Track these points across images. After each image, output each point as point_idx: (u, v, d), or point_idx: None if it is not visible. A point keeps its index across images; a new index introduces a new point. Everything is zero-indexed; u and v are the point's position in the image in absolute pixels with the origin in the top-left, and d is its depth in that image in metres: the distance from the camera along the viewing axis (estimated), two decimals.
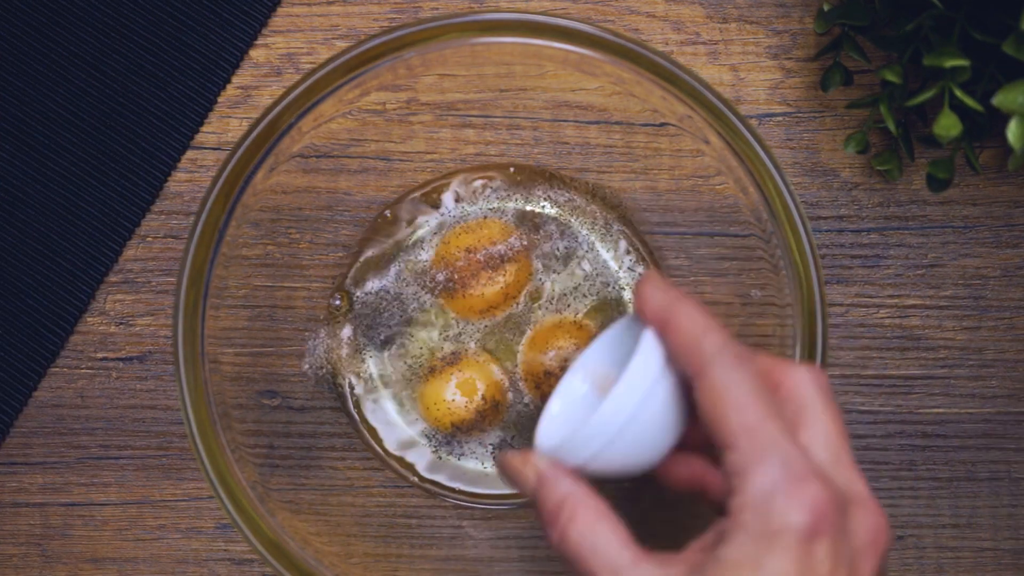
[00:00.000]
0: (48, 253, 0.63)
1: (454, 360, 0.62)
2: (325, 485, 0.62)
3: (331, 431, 0.63)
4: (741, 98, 0.64)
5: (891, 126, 0.59)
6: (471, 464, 0.62)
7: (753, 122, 0.62)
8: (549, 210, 0.63)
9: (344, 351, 0.63)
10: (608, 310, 0.63)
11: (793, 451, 0.41)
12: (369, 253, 0.63)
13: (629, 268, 0.63)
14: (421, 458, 0.63)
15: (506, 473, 0.47)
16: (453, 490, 0.62)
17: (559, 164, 0.63)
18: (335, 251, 0.63)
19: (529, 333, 0.62)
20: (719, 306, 0.62)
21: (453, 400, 0.61)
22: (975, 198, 0.64)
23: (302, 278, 0.63)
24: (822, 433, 0.43)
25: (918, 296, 0.64)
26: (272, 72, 0.64)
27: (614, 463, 0.45)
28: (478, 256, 0.61)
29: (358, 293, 0.63)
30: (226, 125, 0.64)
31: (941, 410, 0.64)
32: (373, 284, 0.63)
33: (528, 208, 0.63)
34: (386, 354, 0.62)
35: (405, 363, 0.62)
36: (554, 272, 0.63)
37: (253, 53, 0.64)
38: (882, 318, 0.63)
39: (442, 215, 0.63)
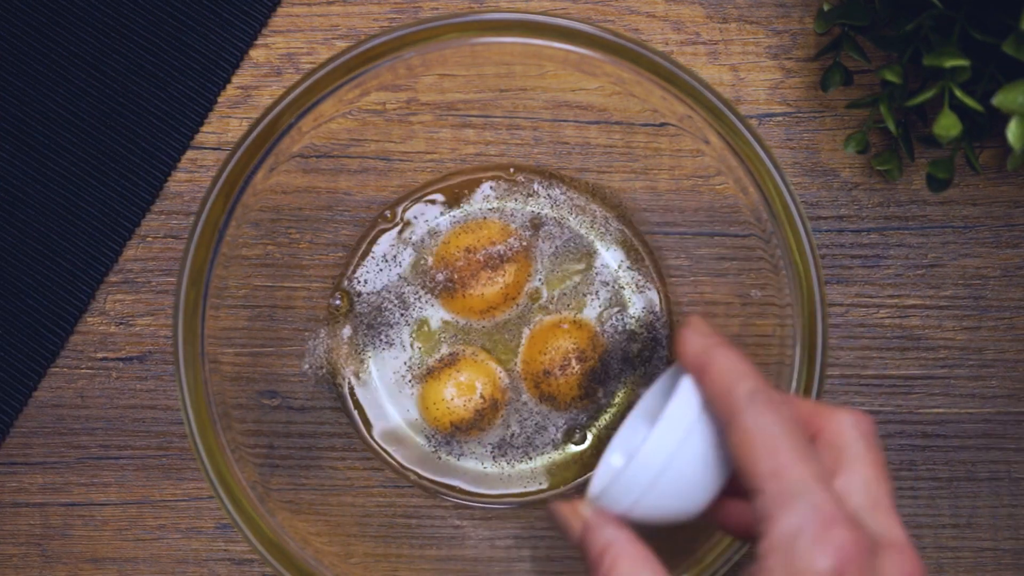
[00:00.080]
0: (48, 253, 0.63)
1: (453, 360, 0.62)
2: (325, 485, 0.62)
3: (331, 431, 0.63)
4: (741, 98, 0.64)
5: (891, 126, 0.59)
6: (471, 464, 0.62)
7: (753, 122, 0.62)
8: (549, 210, 0.63)
9: (344, 351, 0.63)
10: (609, 311, 0.63)
11: (822, 495, 0.41)
12: (369, 253, 0.63)
13: (628, 268, 0.63)
14: (421, 458, 0.63)
15: (554, 520, 0.48)
16: (453, 490, 0.62)
17: (559, 164, 0.63)
18: (335, 251, 0.63)
19: (528, 333, 0.62)
20: (719, 306, 0.62)
21: (452, 400, 0.61)
22: (975, 198, 0.64)
23: (302, 278, 0.63)
24: (860, 478, 0.43)
25: (918, 296, 0.64)
26: (272, 72, 0.64)
27: (655, 509, 0.46)
28: (478, 256, 0.61)
29: (358, 293, 0.63)
30: (226, 125, 0.64)
31: (941, 410, 0.64)
32: (373, 284, 0.63)
33: (528, 208, 0.63)
34: (386, 354, 0.62)
35: (404, 363, 0.62)
36: (554, 272, 0.63)
37: (253, 53, 0.64)
38: (882, 318, 0.63)
39: (442, 215, 0.63)
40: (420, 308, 0.62)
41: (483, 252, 0.61)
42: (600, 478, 0.50)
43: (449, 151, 0.63)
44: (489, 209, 0.63)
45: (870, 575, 0.41)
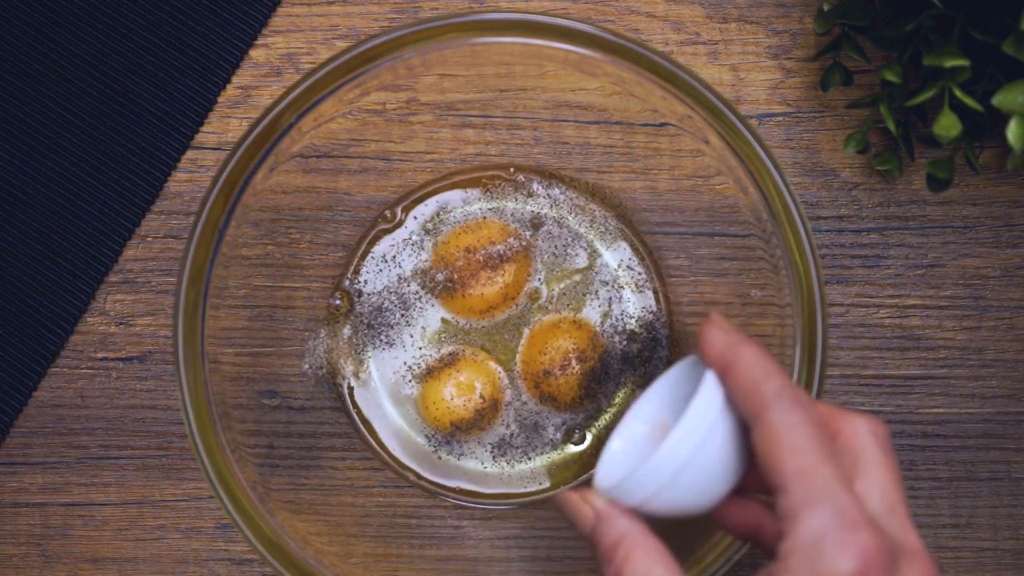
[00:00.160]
0: (48, 253, 0.63)
1: (453, 360, 0.62)
2: (325, 485, 0.62)
3: (331, 431, 0.63)
4: (741, 98, 0.64)
5: (891, 126, 0.59)
6: (471, 464, 0.62)
7: (753, 122, 0.62)
8: (549, 210, 0.63)
9: (344, 351, 0.63)
10: (609, 311, 0.63)
11: (847, 497, 0.41)
12: (369, 253, 0.63)
13: (628, 267, 0.63)
14: (421, 458, 0.63)
15: (563, 510, 0.47)
16: (453, 490, 0.62)
17: (559, 164, 0.63)
18: (335, 251, 0.63)
19: (528, 332, 0.62)
20: (719, 306, 0.62)
21: (452, 399, 0.61)
22: (975, 198, 0.64)
23: (302, 278, 0.63)
24: (878, 483, 0.44)
25: (918, 296, 0.64)
26: (272, 72, 0.64)
27: (671, 503, 0.46)
28: (477, 256, 0.61)
29: (358, 293, 0.63)
30: (226, 125, 0.64)
31: (941, 410, 0.63)
32: (373, 284, 0.63)
33: (528, 208, 0.63)
34: (386, 354, 0.62)
35: (404, 363, 0.62)
36: (554, 272, 0.63)
37: (253, 53, 0.64)
38: (882, 318, 0.63)
39: (442, 215, 0.63)
40: (420, 308, 0.62)
41: (483, 252, 0.61)
42: (608, 470, 0.50)
43: (449, 151, 0.63)
44: (489, 209, 0.63)
45: None
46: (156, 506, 0.63)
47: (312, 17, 0.64)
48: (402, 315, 0.62)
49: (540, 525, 0.63)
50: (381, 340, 0.62)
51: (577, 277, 0.63)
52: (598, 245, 0.63)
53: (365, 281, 0.63)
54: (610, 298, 0.63)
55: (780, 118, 0.64)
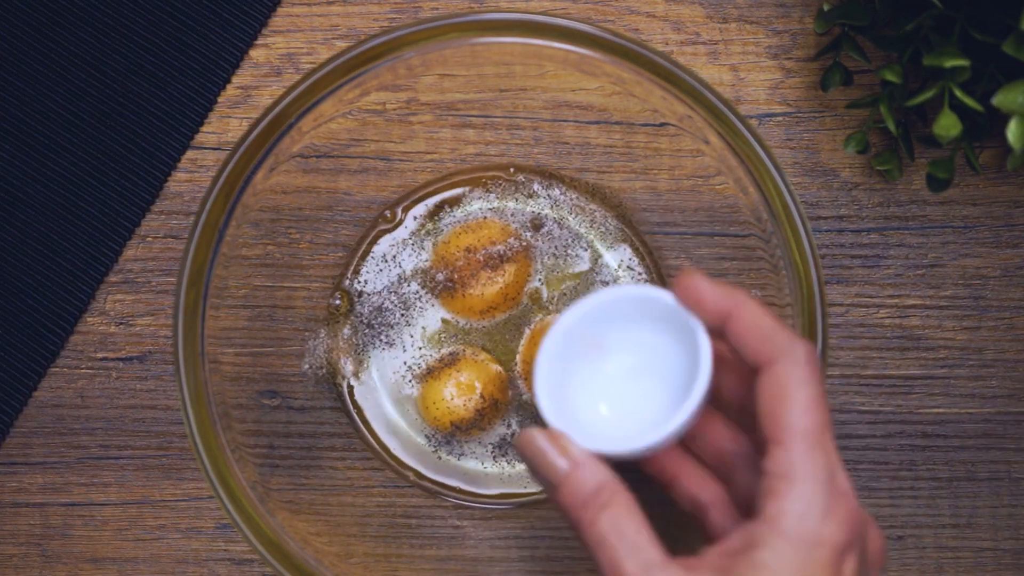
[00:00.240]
0: (48, 253, 0.63)
1: (453, 360, 0.62)
2: (325, 485, 0.62)
3: (331, 431, 0.63)
4: (741, 98, 0.64)
5: (891, 126, 0.59)
6: (471, 464, 0.62)
7: (753, 122, 0.62)
8: (549, 210, 0.63)
9: (344, 351, 0.63)
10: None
11: (839, 465, 0.41)
12: (369, 253, 0.63)
13: (629, 267, 0.63)
14: (421, 458, 0.63)
15: (529, 450, 0.45)
16: (453, 490, 0.62)
17: (559, 164, 0.63)
18: (335, 251, 0.63)
19: (528, 332, 0.62)
20: None
21: (452, 400, 0.61)
22: (975, 198, 0.64)
23: (302, 278, 0.63)
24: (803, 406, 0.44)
25: (918, 296, 0.64)
26: (272, 72, 0.64)
27: (638, 454, 0.45)
28: (478, 256, 0.61)
29: (358, 293, 0.63)
30: (226, 125, 0.64)
31: (941, 410, 0.64)
32: (373, 284, 0.63)
33: (528, 208, 0.63)
34: (386, 354, 0.62)
35: (404, 363, 0.62)
36: (554, 273, 0.63)
37: (253, 53, 0.64)
38: (882, 318, 0.63)
39: (442, 215, 0.63)
40: (420, 308, 0.62)
41: (483, 252, 0.61)
42: (549, 391, 0.47)
43: (449, 151, 0.63)
44: (489, 209, 0.63)
45: (863, 547, 0.42)
46: (156, 506, 0.63)
47: (312, 17, 0.64)
48: (402, 315, 0.62)
49: (540, 525, 0.63)
50: (381, 340, 0.62)
51: (578, 277, 0.63)
52: (598, 245, 0.63)
53: (365, 281, 0.63)
54: None
55: (780, 118, 0.64)
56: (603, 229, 0.63)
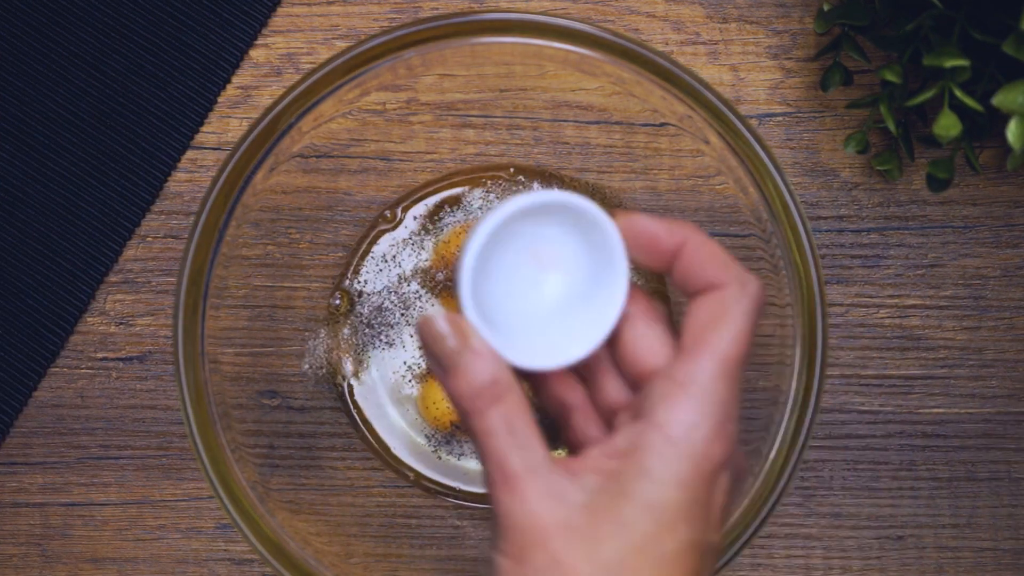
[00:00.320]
0: (48, 253, 0.63)
1: None
2: (325, 485, 0.62)
3: (331, 431, 0.63)
4: (741, 98, 0.64)
5: (891, 126, 0.59)
6: (471, 464, 0.62)
7: (753, 122, 0.62)
8: None
9: (344, 351, 0.63)
10: None
11: (736, 404, 0.42)
12: (369, 253, 0.63)
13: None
14: (421, 458, 0.63)
15: (430, 332, 0.44)
16: (453, 490, 0.62)
17: (559, 164, 0.63)
18: (335, 251, 0.63)
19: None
20: None
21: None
22: (975, 198, 0.64)
23: (302, 278, 0.63)
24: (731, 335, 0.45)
25: (918, 296, 0.64)
26: (272, 72, 0.64)
27: (537, 361, 0.45)
28: None
29: (358, 293, 0.63)
30: (226, 125, 0.64)
31: (941, 410, 0.63)
32: (373, 284, 0.63)
33: None
34: (386, 354, 0.62)
35: (404, 363, 0.62)
36: None
37: (253, 53, 0.64)
38: (882, 318, 0.63)
39: (442, 215, 0.63)
40: (420, 308, 0.62)
41: None
42: (470, 288, 0.45)
43: (449, 151, 0.63)
44: (489, 209, 0.63)
45: (733, 465, 0.43)
46: (156, 506, 0.63)
47: (312, 17, 0.64)
48: (402, 315, 0.62)
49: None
50: (381, 340, 0.62)
51: None
52: None
53: (365, 281, 0.63)
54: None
55: (780, 118, 0.64)
56: None
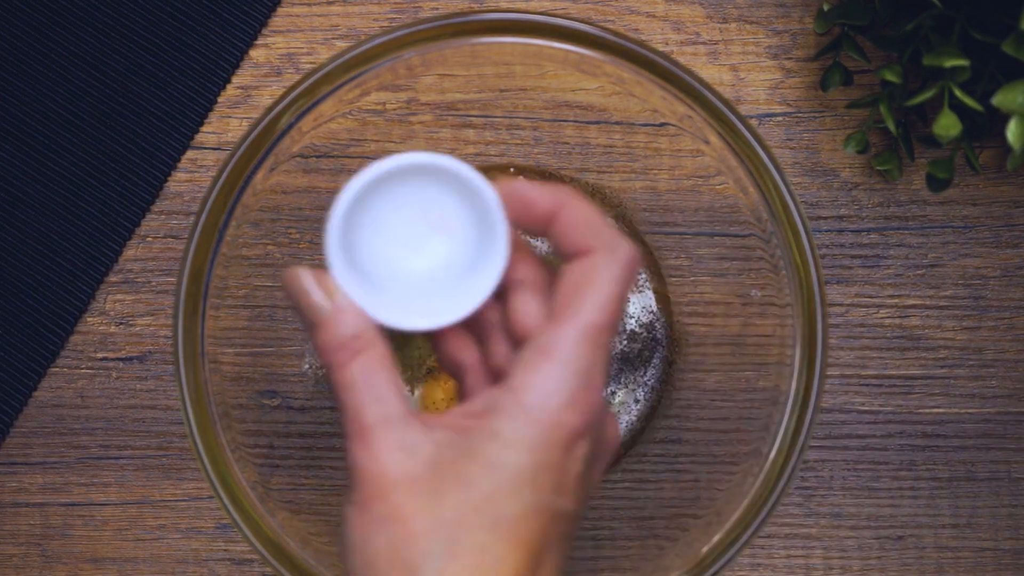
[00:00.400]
0: (48, 253, 0.63)
1: None
2: (325, 485, 0.62)
3: (331, 431, 0.63)
4: (741, 98, 0.64)
5: (891, 126, 0.59)
6: None
7: (753, 122, 0.62)
8: None
9: None
10: None
11: (603, 369, 0.42)
12: None
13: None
14: None
15: (294, 287, 0.45)
16: None
17: (559, 164, 0.63)
18: None
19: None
20: (719, 306, 0.62)
21: (452, 399, 0.61)
22: (975, 198, 0.64)
23: None
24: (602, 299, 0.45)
25: (918, 296, 0.64)
26: (272, 72, 0.64)
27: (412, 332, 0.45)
28: None
29: None
30: (226, 125, 0.64)
31: (941, 410, 0.64)
32: None
33: None
34: None
35: (404, 363, 0.62)
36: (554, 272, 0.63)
37: (253, 53, 0.64)
38: (882, 318, 0.63)
39: None
40: None
41: None
42: (336, 247, 0.45)
43: (449, 151, 0.63)
44: None
45: (596, 436, 0.43)
46: (156, 506, 0.63)
47: (312, 17, 0.64)
48: None
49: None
50: None
51: None
52: None
53: None
54: None
55: (780, 118, 0.64)
56: None
